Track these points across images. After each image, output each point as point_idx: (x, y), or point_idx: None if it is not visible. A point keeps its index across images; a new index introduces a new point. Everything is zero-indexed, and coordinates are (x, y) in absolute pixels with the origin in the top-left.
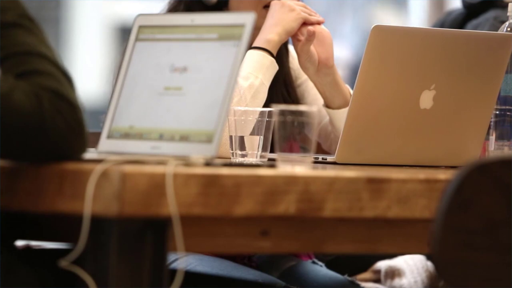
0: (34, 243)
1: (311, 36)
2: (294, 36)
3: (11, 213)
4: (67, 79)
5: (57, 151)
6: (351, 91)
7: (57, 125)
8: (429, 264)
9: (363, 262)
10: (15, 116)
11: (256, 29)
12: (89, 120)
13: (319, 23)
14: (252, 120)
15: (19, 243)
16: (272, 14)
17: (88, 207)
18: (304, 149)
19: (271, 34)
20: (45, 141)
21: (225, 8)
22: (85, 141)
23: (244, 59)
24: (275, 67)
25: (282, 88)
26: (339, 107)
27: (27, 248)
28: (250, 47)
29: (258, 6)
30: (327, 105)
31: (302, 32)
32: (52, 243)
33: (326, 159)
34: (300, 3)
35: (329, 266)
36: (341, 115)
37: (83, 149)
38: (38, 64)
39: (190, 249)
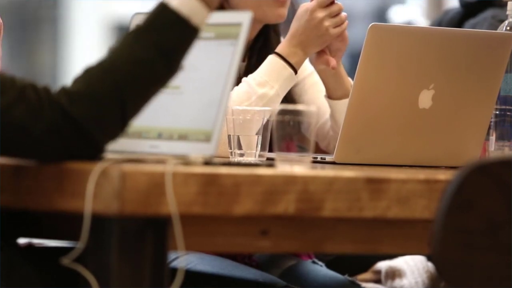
0: (36, 241)
1: (333, 68)
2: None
3: (13, 211)
4: (118, 101)
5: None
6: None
7: (55, 147)
8: (430, 264)
9: (363, 263)
10: (13, 133)
11: (258, 22)
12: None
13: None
14: (255, 120)
15: (21, 241)
16: (304, 31)
17: (88, 206)
18: (302, 149)
19: (299, 50)
20: (39, 158)
21: (225, 2)
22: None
23: (265, 63)
24: (294, 80)
25: None
26: (340, 98)
27: (29, 246)
28: (274, 51)
29: None
30: (329, 96)
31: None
32: (54, 241)
33: (325, 159)
34: (328, 10)
35: (329, 266)
36: (341, 107)
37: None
38: (90, 78)
39: (190, 248)
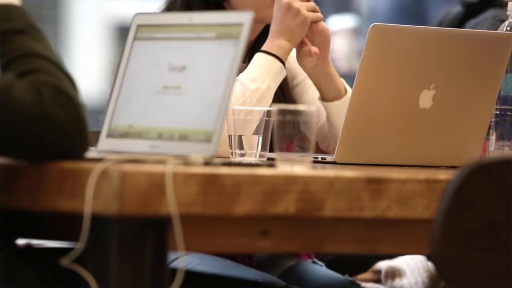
0: (35, 242)
1: (315, 54)
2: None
3: (12, 211)
4: (69, 80)
5: (59, 146)
6: (346, 85)
7: (59, 118)
8: (430, 264)
9: (363, 262)
10: (16, 111)
11: (259, 23)
12: (89, 119)
13: (321, 19)
14: (255, 120)
15: (20, 241)
16: (280, 20)
17: (88, 206)
18: (303, 149)
19: (282, 40)
20: (46, 135)
21: (226, 3)
22: (87, 136)
23: (253, 61)
24: (283, 73)
25: (276, 89)
26: (333, 99)
27: (28, 246)
28: (259, 50)
29: None
30: (322, 98)
31: (307, 35)
32: (53, 241)
33: (325, 159)
34: None
35: (329, 266)
36: (335, 108)
37: (85, 144)
38: (40, 64)
39: (190, 248)
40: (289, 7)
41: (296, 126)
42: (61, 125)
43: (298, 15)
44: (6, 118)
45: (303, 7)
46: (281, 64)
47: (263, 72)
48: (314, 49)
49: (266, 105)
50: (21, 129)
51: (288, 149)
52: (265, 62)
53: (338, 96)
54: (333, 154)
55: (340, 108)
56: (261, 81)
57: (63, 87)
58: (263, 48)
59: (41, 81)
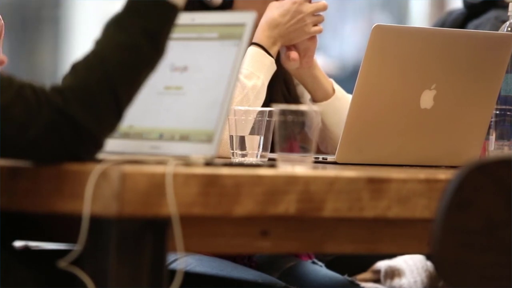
0: (32, 244)
1: (294, 60)
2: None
3: (10, 213)
4: (110, 94)
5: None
6: (335, 85)
7: (52, 144)
8: (429, 264)
9: (363, 262)
10: (12, 129)
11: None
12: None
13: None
14: (251, 119)
15: (18, 243)
16: (288, 22)
17: (87, 207)
18: (304, 149)
19: (278, 39)
20: (38, 157)
21: (229, 9)
22: (84, 158)
23: (247, 54)
24: (274, 68)
25: (282, 86)
26: (321, 100)
27: (26, 248)
28: (253, 42)
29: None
30: (312, 99)
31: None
32: (51, 243)
33: (326, 159)
34: (314, 6)
35: (329, 266)
36: (323, 109)
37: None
38: (80, 76)
39: (189, 249)
40: (302, 19)
41: (298, 126)
42: (54, 152)
43: (301, 29)
44: (2, 134)
45: (311, 24)
46: (272, 59)
47: (257, 68)
48: (294, 55)
49: (261, 101)
50: (15, 146)
51: (291, 149)
52: (257, 56)
53: (326, 97)
54: (334, 154)
55: (328, 109)
56: (256, 78)
57: (70, 112)
58: (258, 40)
59: (52, 96)
